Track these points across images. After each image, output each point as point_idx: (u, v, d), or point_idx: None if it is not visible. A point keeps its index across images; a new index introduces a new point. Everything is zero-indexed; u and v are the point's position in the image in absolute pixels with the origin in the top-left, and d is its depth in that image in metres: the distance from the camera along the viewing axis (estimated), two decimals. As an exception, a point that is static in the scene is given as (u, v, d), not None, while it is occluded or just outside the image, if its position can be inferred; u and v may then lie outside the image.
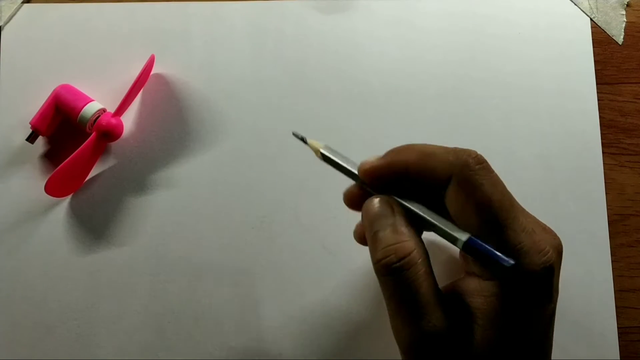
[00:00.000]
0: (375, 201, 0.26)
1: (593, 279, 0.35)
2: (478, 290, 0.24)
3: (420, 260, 0.24)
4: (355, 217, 0.28)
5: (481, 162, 0.25)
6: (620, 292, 0.35)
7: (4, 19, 0.38)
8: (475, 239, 0.24)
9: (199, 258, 0.36)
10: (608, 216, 0.36)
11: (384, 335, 0.34)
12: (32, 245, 0.36)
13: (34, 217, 0.36)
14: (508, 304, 0.24)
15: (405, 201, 0.26)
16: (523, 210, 0.25)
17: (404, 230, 0.25)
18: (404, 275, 0.24)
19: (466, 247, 0.24)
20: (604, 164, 0.37)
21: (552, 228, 0.36)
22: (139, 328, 0.35)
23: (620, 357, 0.35)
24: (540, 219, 0.37)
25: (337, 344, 0.35)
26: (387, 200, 0.26)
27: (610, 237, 0.36)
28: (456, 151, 0.25)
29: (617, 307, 0.35)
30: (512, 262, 0.23)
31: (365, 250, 0.30)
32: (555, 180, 0.37)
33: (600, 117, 0.38)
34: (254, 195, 0.36)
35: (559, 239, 0.26)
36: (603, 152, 0.37)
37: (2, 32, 0.38)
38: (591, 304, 0.35)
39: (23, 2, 0.39)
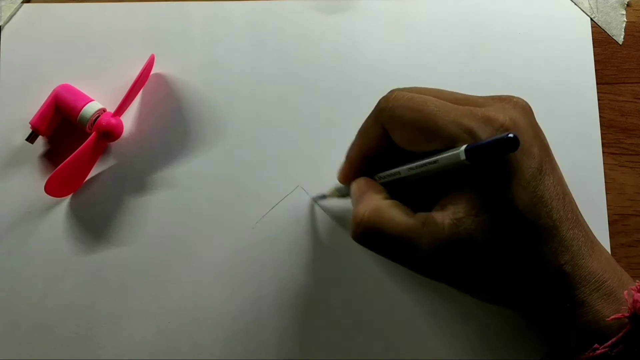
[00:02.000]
0: (352, 184, 0.30)
1: (593, 279, 0.35)
2: (455, 198, 0.25)
3: (377, 210, 0.26)
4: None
5: (391, 98, 0.27)
6: (620, 292, 0.35)
7: (4, 19, 0.38)
8: (471, 145, 0.24)
9: (199, 258, 0.36)
10: (608, 216, 0.36)
11: (384, 335, 0.34)
12: (32, 245, 0.36)
13: (34, 217, 0.36)
14: (487, 183, 0.24)
15: (386, 173, 0.28)
16: (458, 99, 0.26)
17: (366, 197, 0.28)
18: (370, 233, 0.26)
19: (469, 155, 0.23)
20: (604, 164, 0.37)
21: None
22: (139, 328, 0.35)
23: (620, 357, 0.35)
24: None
25: (338, 343, 0.35)
26: (357, 181, 0.29)
27: (610, 237, 0.36)
28: (375, 108, 0.28)
29: (617, 307, 0.35)
30: (511, 135, 0.22)
31: (364, 251, 0.30)
32: (556, 180, 0.37)
33: (600, 117, 0.38)
34: (254, 195, 0.36)
35: (516, 99, 0.27)
36: (603, 152, 0.37)
37: (2, 32, 0.38)
38: (591, 304, 0.35)
39: (23, 2, 0.39)
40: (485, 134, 0.24)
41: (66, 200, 0.36)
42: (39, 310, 0.35)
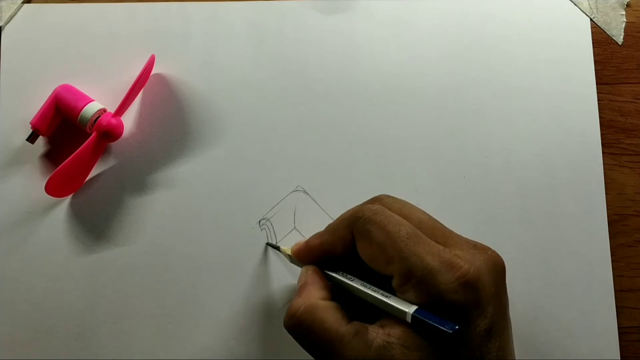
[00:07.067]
0: (302, 268, 0.30)
1: (593, 279, 0.35)
2: (397, 322, 0.24)
3: (312, 309, 0.26)
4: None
5: (371, 210, 0.27)
6: (620, 292, 0.35)
7: (4, 19, 0.38)
8: (421, 312, 0.24)
9: (199, 258, 0.36)
10: (608, 216, 0.36)
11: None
12: (32, 245, 0.36)
13: (34, 217, 0.36)
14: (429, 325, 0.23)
15: (344, 277, 0.28)
16: (436, 234, 0.26)
17: (307, 292, 0.27)
18: (299, 329, 0.26)
19: (414, 322, 0.24)
20: (604, 164, 0.37)
21: (552, 228, 0.36)
22: (139, 328, 0.35)
23: (620, 357, 0.35)
24: (540, 219, 0.37)
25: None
26: (307, 269, 0.29)
27: (610, 237, 0.36)
28: (352, 212, 0.28)
29: (617, 307, 0.35)
30: (455, 327, 0.22)
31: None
32: (555, 180, 0.37)
33: (600, 117, 0.38)
34: (254, 195, 0.36)
35: (491, 252, 0.26)
36: (603, 152, 0.37)
37: (2, 32, 0.38)
38: (591, 304, 0.35)
39: (23, 2, 0.39)
40: (443, 279, 0.24)
41: (66, 200, 0.36)
42: (39, 310, 0.35)
